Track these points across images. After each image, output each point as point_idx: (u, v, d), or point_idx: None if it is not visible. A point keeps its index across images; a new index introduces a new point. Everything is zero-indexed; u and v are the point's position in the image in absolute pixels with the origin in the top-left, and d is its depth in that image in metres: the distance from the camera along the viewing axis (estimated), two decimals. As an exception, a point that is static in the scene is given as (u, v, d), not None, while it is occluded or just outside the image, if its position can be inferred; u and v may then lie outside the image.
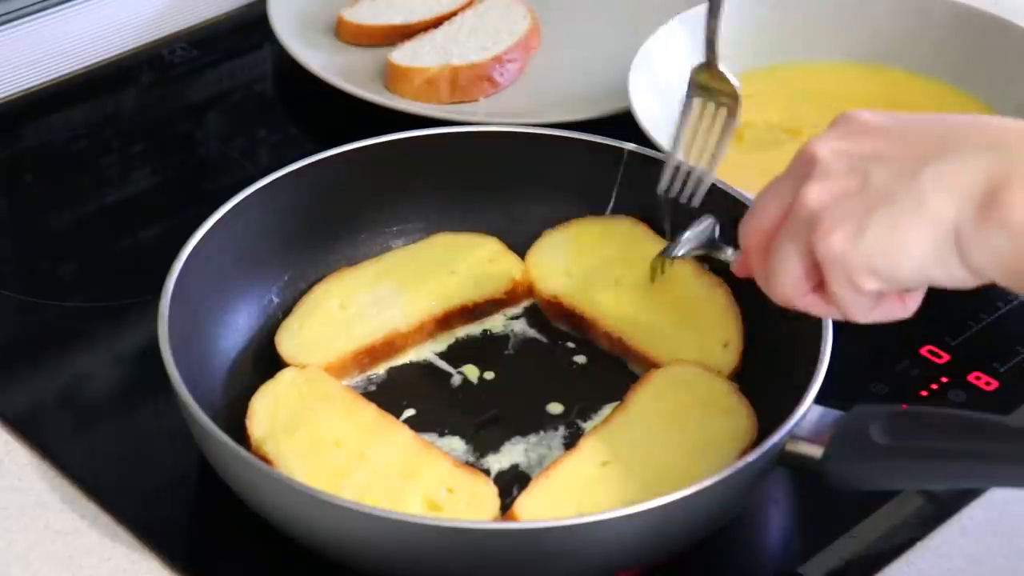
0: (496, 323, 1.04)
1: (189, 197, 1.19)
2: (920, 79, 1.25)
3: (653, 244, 1.03)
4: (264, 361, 0.98)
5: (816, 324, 0.90)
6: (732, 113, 0.99)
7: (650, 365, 0.98)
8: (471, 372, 1.00)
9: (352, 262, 1.05)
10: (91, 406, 1.01)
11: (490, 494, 0.89)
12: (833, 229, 0.74)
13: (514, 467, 0.94)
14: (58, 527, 0.92)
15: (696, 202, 0.99)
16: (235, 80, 1.35)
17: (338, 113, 1.26)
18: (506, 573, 0.84)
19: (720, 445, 0.91)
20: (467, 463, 0.93)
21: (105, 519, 0.92)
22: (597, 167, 1.05)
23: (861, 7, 1.28)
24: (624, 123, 1.13)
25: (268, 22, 1.32)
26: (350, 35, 1.34)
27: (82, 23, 1.34)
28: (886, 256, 0.73)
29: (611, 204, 1.06)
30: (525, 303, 1.05)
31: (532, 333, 1.04)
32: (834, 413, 0.87)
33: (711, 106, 0.99)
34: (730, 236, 0.95)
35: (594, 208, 1.06)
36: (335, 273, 1.04)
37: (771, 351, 0.96)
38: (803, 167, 0.77)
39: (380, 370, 1.00)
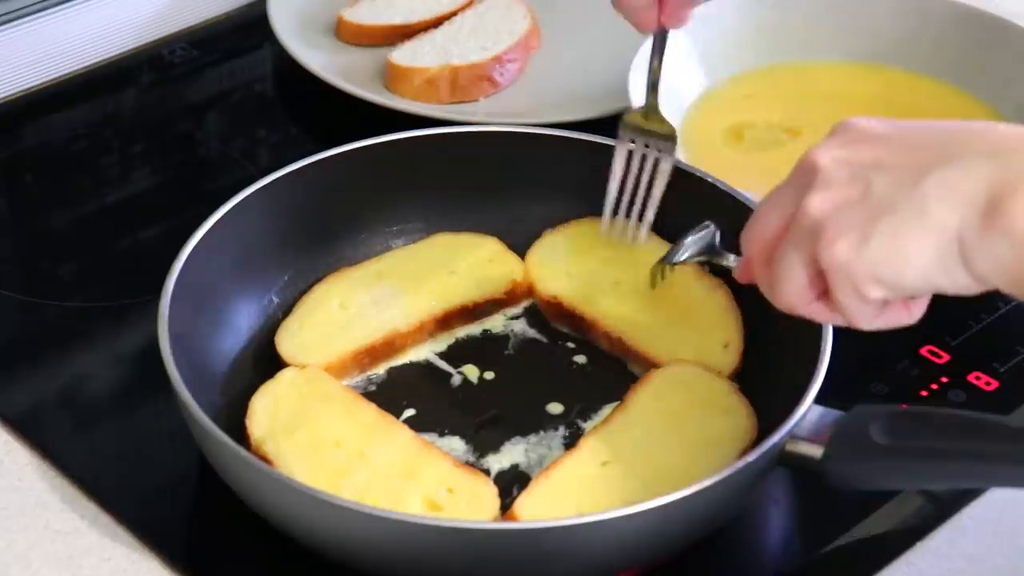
0: (496, 323, 1.04)
1: (189, 197, 1.19)
2: (920, 79, 1.25)
3: (652, 245, 1.03)
4: (264, 361, 0.98)
5: (816, 325, 0.90)
6: (669, 153, 1.01)
7: (650, 365, 0.98)
8: (471, 372, 1.00)
9: (352, 262, 1.05)
10: (91, 406, 1.01)
11: (490, 494, 0.89)
12: (837, 238, 0.74)
13: (514, 467, 0.94)
14: (58, 527, 0.92)
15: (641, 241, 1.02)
16: (235, 80, 1.35)
17: (338, 113, 1.26)
18: (506, 573, 0.84)
19: (720, 445, 0.91)
20: (467, 463, 0.93)
21: (105, 519, 0.92)
22: (597, 167, 1.05)
23: (861, 7, 1.28)
24: (624, 123, 1.13)
25: (268, 22, 1.32)
26: (350, 35, 1.34)
27: (82, 23, 1.34)
28: (890, 265, 0.73)
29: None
30: (525, 303, 1.05)
31: (532, 333, 1.04)
32: (834, 413, 0.87)
33: (642, 151, 1.02)
34: (731, 238, 0.96)
35: (594, 208, 1.06)
36: (335, 273, 1.04)
37: (771, 351, 0.96)
38: (804, 176, 0.77)
39: (380, 370, 1.00)
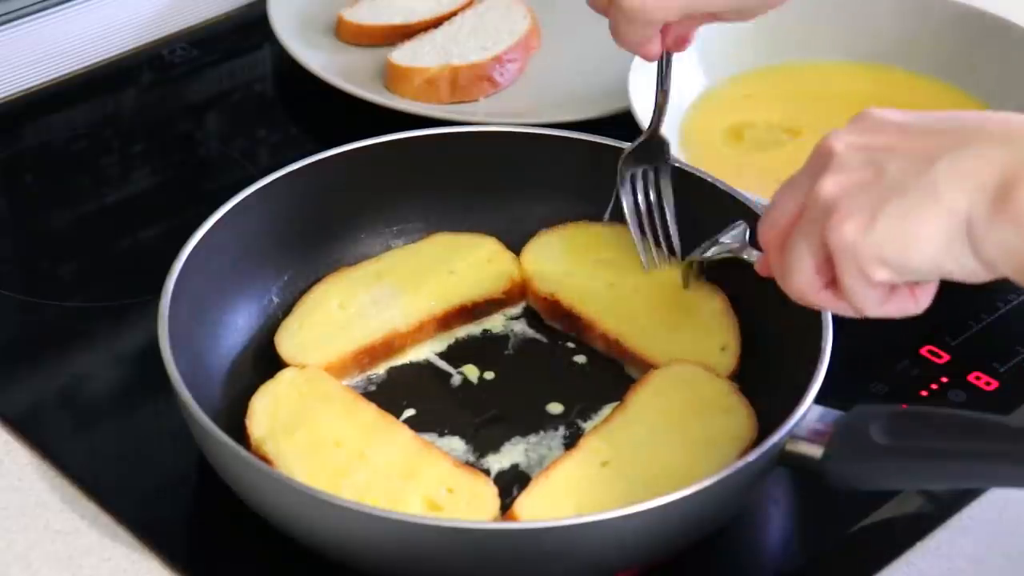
0: (496, 323, 1.04)
1: (189, 197, 1.19)
2: (920, 79, 1.25)
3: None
4: (264, 361, 0.98)
5: (816, 324, 0.90)
6: (666, 163, 1.02)
7: (647, 368, 0.98)
8: (471, 372, 1.00)
9: (352, 262, 1.05)
10: (91, 406, 1.01)
11: (490, 494, 0.89)
12: (845, 219, 0.74)
13: (514, 467, 0.94)
14: (58, 527, 0.92)
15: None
16: (235, 80, 1.35)
17: (338, 113, 1.26)
18: (506, 573, 0.84)
19: (720, 445, 0.91)
20: (467, 463, 0.93)
21: (105, 519, 0.92)
22: (597, 167, 1.05)
23: (861, 7, 1.28)
24: (624, 123, 1.13)
25: (268, 22, 1.32)
26: (350, 35, 1.34)
27: (82, 23, 1.34)
28: (897, 246, 0.73)
29: (611, 204, 1.06)
30: (525, 303, 1.05)
31: (532, 333, 1.04)
32: (834, 413, 0.87)
33: (644, 177, 1.02)
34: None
35: (594, 208, 1.06)
36: (335, 273, 1.04)
37: (771, 351, 0.96)
38: (820, 161, 0.78)
39: (380, 370, 1.00)
